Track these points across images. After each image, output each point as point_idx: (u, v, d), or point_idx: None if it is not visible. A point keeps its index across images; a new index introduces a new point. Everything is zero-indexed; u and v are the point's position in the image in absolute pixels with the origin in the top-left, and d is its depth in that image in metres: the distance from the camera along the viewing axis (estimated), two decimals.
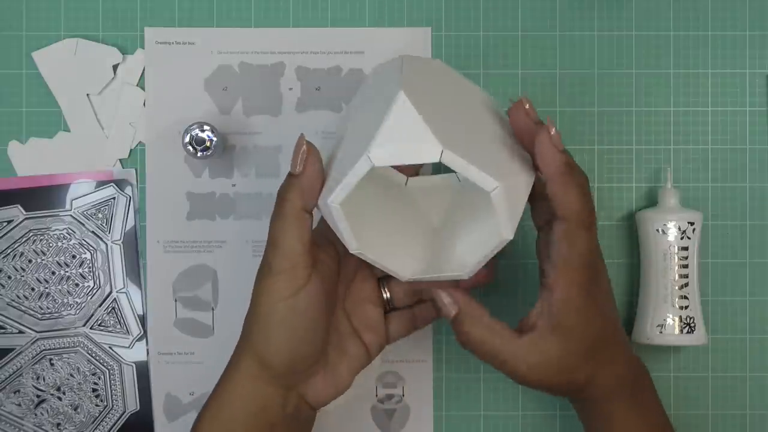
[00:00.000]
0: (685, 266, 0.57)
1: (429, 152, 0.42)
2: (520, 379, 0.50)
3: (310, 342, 0.49)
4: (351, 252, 0.47)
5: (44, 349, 0.60)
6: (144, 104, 0.60)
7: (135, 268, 0.60)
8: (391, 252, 0.48)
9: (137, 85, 0.60)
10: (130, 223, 0.60)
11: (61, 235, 0.60)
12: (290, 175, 0.49)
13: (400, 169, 0.55)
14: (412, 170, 0.55)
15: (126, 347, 0.60)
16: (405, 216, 0.53)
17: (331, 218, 0.46)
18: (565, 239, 0.47)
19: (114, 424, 0.60)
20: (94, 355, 0.60)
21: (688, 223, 0.57)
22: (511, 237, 0.45)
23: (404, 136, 0.43)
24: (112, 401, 0.60)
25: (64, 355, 0.60)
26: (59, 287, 0.60)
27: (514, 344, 0.49)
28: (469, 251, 0.49)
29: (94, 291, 0.60)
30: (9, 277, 0.60)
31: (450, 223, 0.53)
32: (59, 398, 0.60)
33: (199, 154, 0.57)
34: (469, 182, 0.45)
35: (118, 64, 0.60)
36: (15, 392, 0.60)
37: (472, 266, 0.48)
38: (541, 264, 0.50)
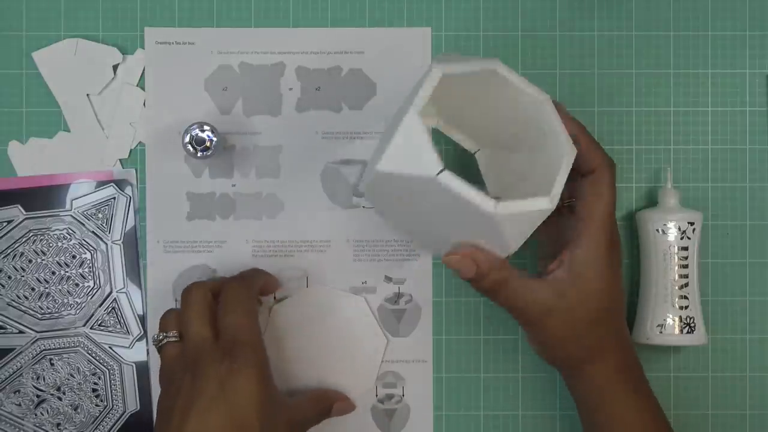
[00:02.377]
0: (685, 266, 0.57)
1: (426, 176, 0.46)
2: (535, 326, 0.52)
3: None
4: (436, 174, 0.46)
5: (44, 349, 0.60)
6: (144, 104, 0.60)
7: (135, 268, 0.60)
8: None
9: (137, 85, 0.60)
10: (130, 223, 0.60)
11: (61, 235, 0.60)
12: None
13: None
14: None
15: (126, 347, 0.60)
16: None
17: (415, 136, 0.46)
18: (592, 190, 0.52)
19: (114, 424, 0.60)
20: (94, 355, 0.60)
21: (688, 223, 0.57)
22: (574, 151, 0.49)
23: (409, 155, 0.47)
24: (112, 401, 0.60)
25: (64, 355, 0.60)
26: (59, 287, 0.60)
27: (533, 285, 0.51)
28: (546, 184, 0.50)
29: (94, 291, 0.60)
30: (9, 277, 0.60)
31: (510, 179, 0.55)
32: (59, 398, 0.60)
33: (199, 154, 0.57)
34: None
35: (118, 64, 0.60)
36: (15, 392, 0.60)
37: (557, 192, 0.49)
38: (550, 246, 0.55)
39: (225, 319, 0.51)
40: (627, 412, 0.53)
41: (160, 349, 0.52)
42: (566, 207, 0.54)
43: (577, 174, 0.53)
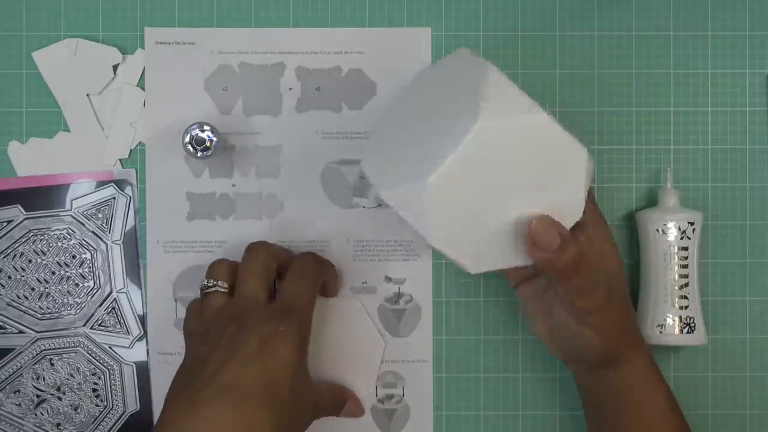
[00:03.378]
0: (685, 266, 0.57)
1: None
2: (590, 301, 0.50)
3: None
4: (431, 244, 0.47)
5: (44, 349, 0.60)
6: (144, 104, 0.60)
7: (135, 268, 0.60)
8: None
9: (137, 85, 0.60)
10: (130, 223, 0.60)
11: (61, 235, 0.60)
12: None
13: None
14: None
15: (126, 347, 0.60)
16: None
17: (415, 205, 0.46)
18: None
19: (114, 424, 0.60)
20: (94, 355, 0.60)
21: (688, 223, 0.57)
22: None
23: (465, 183, 0.47)
24: (112, 401, 0.60)
25: (64, 355, 0.60)
26: (59, 287, 0.60)
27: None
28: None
29: (94, 291, 0.60)
30: (9, 277, 0.60)
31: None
32: (59, 398, 0.60)
33: (199, 154, 0.57)
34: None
35: (118, 64, 0.60)
36: (15, 392, 0.60)
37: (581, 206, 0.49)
38: None
39: (289, 284, 0.53)
40: (656, 413, 0.53)
41: (205, 296, 0.53)
42: None
43: None
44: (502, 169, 0.46)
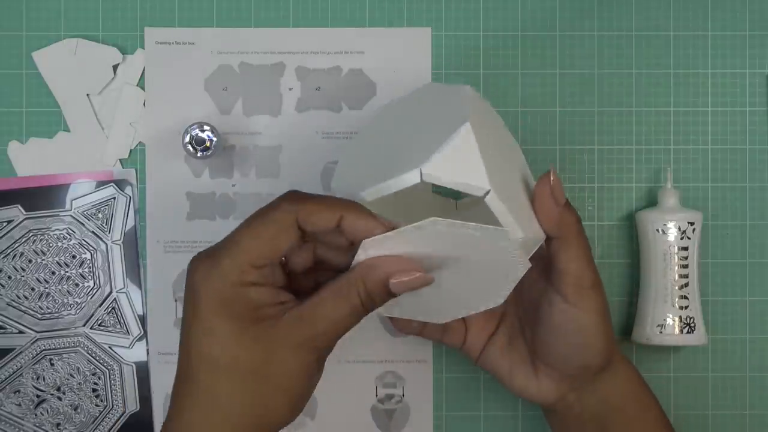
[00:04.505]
0: (685, 266, 0.57)
1: (476, 188, 0.43)
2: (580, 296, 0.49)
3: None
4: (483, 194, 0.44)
5: (44, 349, 0.60)
6: (144, 104, 0.60)
7: (135, 268, 0.60)
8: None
9: (137, 85, 0.60)
10: (130, 223, 0.60)
11: (61, 235, 0.60)
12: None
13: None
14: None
15: (126, 347, 0.60)
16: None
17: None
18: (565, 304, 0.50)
19: (114, 424, 0.60)
20: (94, 355, 0.60)
21: (688, 223, 0.57)
22: (527, 267, 0.46)
23: (458, 166, 0.44)
24: (112, 401, 0.60)
25: (64, 355, 0.60)
26: (59, 287, 0.60)
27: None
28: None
29: (94, 291, 0.60)
30: (9, 277, 0.60)
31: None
32: (59, 398, 0.60)
33: (199, 154, 0.57)
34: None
35: (118, 64, 0.60)
36: (15, 392, 0.60)
37: (505, 294, 0.47)
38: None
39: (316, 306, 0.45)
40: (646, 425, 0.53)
41: None
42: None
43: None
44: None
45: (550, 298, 0.50)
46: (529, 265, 0.45)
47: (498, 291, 0.46)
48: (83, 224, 0.60)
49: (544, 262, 0.51)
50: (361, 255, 0.43)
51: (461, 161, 0.44)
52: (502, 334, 0.55)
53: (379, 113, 0.54)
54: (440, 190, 0.59)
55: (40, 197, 0.60)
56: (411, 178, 0.43)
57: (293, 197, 0.43)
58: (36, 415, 0.60)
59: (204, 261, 0.43)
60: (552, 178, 0.47)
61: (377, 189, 0.44)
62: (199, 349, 0.42)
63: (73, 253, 0.60)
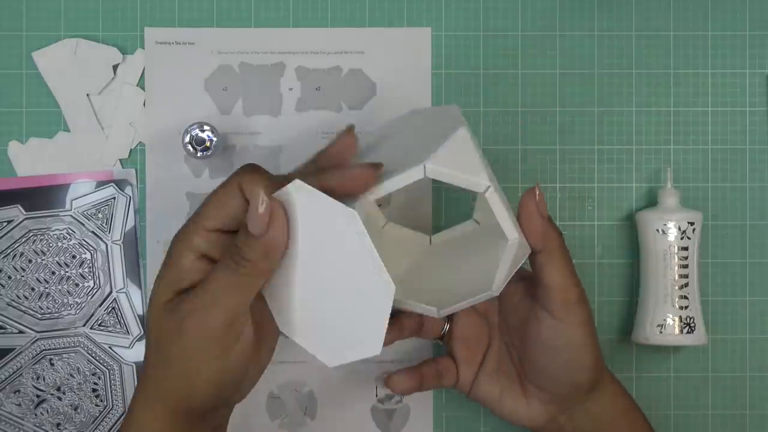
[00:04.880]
0: (685, 266, 0.57)
1: (477, 183, 0.45)
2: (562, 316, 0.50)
3: (245, 368, 0.45)
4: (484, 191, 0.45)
5: (44, 349, 0.60)
6: (144, 104, 0.60)
7: (135, 268, 0.60)
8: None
9: (137, 85, 0.60)
10: (130, 223, 0.60)
11: (61, 235, 0.60)
12: (245, 232, 0.42)
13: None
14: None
15: (126, 347, 0.60)
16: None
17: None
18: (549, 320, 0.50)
19: (114, 424, 0.60)
20: (94, 355, 0.60)
21: (688, 223, 0.57)
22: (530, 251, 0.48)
23: (458, 163, 0.45)
24: (112, 401, 0.60)
25: (64, 355, 0.60)
26: (59, 287, 0.60)
27: None
28: (489, 273, 0.48)
29: (94, 291, 0.60)
30: (9, 277, 0.60)
31: (447, 258, 0.53)
32: (59, 398, 0.60)
33: (199, 154, 0.57)
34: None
35: (118, 64, 0.60)
36: (15, 392, 0.60)
37: (501, 282, 0.47)
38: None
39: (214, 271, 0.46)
40: None
41: None
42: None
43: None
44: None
45: (538, 316, 0.50)
46: (392, 287, 0.42)
47: (372, 331, 0.44)
48: (83, 224, 0.60)
49: (528, 282, 0.52)
50: None
51: (461, 159, 0.45)
52: (490, 360, 0.55)
53: (372, 133, 0.54)
54: (439, 184, 0.59)
55: (40, 197, 0.60)
56: (415, 173, 0.44)
57: (244, 168, 0.44)
58: (36, 415, 0.60)
59: (180, 230, 0.45)
60: (537, 193, 0.48)
61: (382, 187, 0.44)
62: (147, 309, 0.46)
63: (73, 253, 0.60)
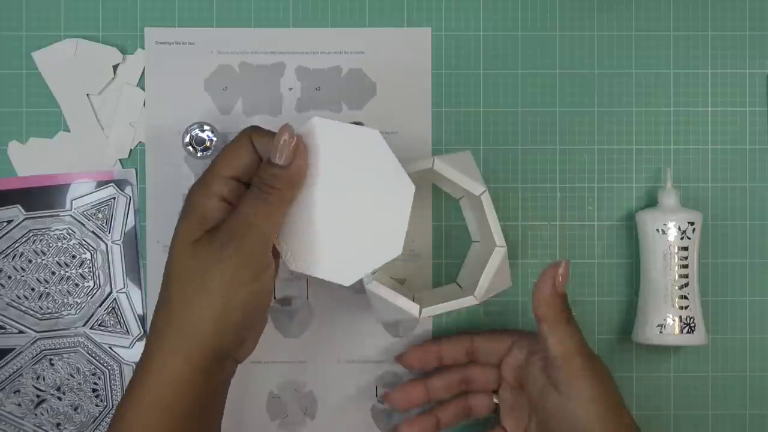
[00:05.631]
0: (685, 266, 0.57)
1: (475, 186, 0.53)
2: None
3: (264, 318, 0.51)
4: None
5: (44, 349, 0.60)
6: (144, 104, 0.60)
7: (135, 268, 0.60)
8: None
9: (137, 85, 0.60)
10: (130, 223, 0.60)
11: (61, 235, 0.60)
12: (271, 164, 0.48)
13: None
14: None
15: (126, 347, 0.60)
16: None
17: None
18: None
19: None
20: (94, 355, 0.60)
21: (688, 223, 0.57)
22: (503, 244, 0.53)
23: (461, 168, 0.54)
24: (112, 401, 0.60)
25: (64, 355, 0.60)
26: (59, 287, 0.60)
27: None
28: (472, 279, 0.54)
29: (94, 291, 0.60)
30: (9, 277, 0.60)
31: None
32: (59, 398, 0.60)
33: (199, 154, 0.57)
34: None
35: (118, 64, 0.60)
36: (15, 392, 0.60)
37: (485, 289, 0.52)
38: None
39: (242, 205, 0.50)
40: None
41: None
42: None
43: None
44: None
45: (546, 392, 0.51)
46: (413, 187, 0.49)
47: (394, 232, 0.49)
48: (83, 224, 0.60)
49: (545, 360, 0.52)
50: None
51: (464, 166, 0.54)
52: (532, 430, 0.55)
53: None
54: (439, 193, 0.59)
55: (40, 197, 0.60)
56: (424, 163, 0.53)
57: (250, 126, 0.50)
58: (36, 415, 0.60)
59: (196, 182, 0.49)
60: (562, 267, 0.50)
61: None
62: (168, 259, 0.48)
63: (73, 253, 0.60)
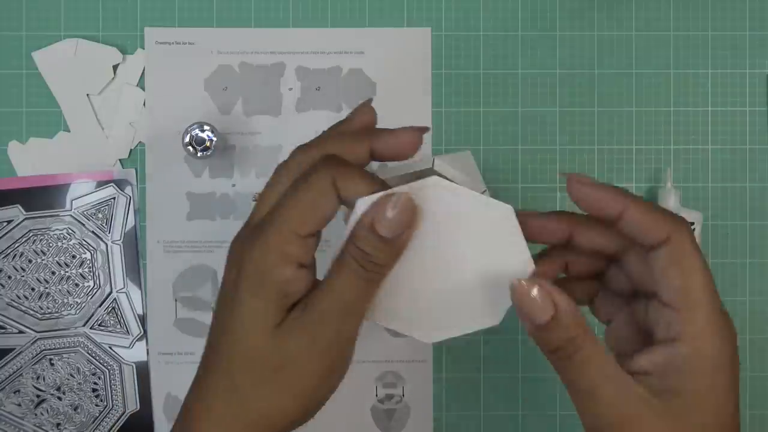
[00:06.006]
0: None
1: (475, 187, 0.51)
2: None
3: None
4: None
5: (44, 349, 0.60)
6: (144, 104, 0.60)
7: (135, 268, 0.60)
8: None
9: (137, 85, 0.60)
10: (130, 223, 0.60)
11: (61, 235, 0.60)
12: (374, 233, 0.37)
13: None
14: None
15: (126, 347, 0.60)
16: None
17: None
18: (674, 266, 0.38)
19: (114, 424, 0.60)
20: (94, 355, 0.60)
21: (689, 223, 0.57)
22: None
23: (462, 169, 0.52)
24: (112, 401, 0.60)
25: (64, 355, 0.60)
26: (59, 287, 0.60)
27: (620, 374, 0.37)
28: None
29: (94, 291, 0.60)
30: (9, 277, 0.60)
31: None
32: (59, 398, 0.60)
33: (199, 154, 0.57)
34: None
35: (118, 64, 0.60)
36: (15, 392, 0.60)
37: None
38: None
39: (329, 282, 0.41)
40: None
41: None
42: (642, 294, 0.41)
43: (638, 251, 0.40)
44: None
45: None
46: (533, 266, 0.40)
47: (496, 301, 0.42)
48: (83, 224, 0.60)
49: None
50: (354, 217, 0.40)
51: (464, 167, 0.51)
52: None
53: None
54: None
55: (40, 197, 0.60)
56: (424, 163, 0.50)
57: (329, 160, 0.38)
58: (36, 415, 0.60)
59: (246, 236, 0.39)
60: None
61: (391, 168, 0.50)
62: (225, 328, 0.39)
63: (73, 253, 0.60)
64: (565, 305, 0.36)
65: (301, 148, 0.40)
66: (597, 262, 0.42)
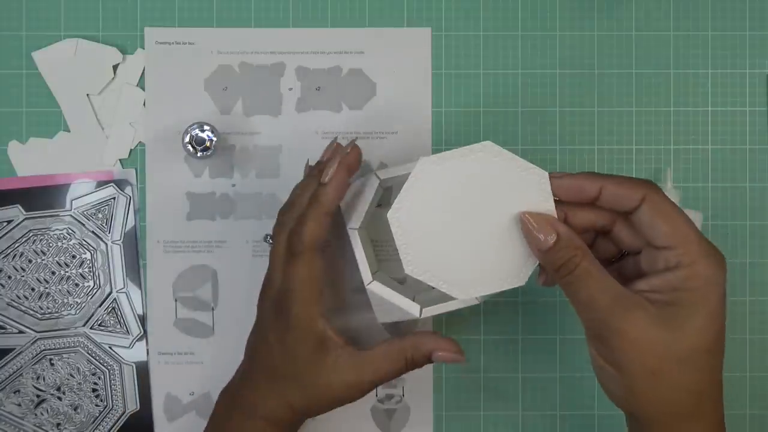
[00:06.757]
0: None
1: None
2: (614, 340, 0.42)
3: None
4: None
5: (44, 349, 0.60)
6: (144, 104, 0.60)
7: (135, 268, 0.60)
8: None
9: (137, 85, 0.60)
10: (130, 223, 0.60)
11: (61, 235, 0.60)
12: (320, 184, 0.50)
13: None
14: None
15: (126, 347, 0.60)
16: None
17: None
18: (656, 214, 0.43)
19: (114, 424, 0.60)
20: (94, 355, 0.60)
21: None
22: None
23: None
24: (112, 401, 0.60)
25: (64, 355, 0.60)
26: (59, 287, 0.60)
27: (622, 289, 0.43)
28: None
29: (94, 291, 0.60)
30: (9, 277, 0.60)
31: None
32: (59, 398, 0.60)
33: (199, 154, 0.57)
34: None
35: (118, 64, 0.60)
36: (15, 392, 0.60)
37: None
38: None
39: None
40: None
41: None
42: (630, 253, 0.47)
43: (622, 220, 0.46)
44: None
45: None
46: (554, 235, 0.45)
47: (524, 262, 0.48)
48: (83, 224, 0.60)
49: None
50: (418, 169, 0.47)
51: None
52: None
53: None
54: None
55: (40, 197, 0.60)
56: (413, 165, 0.50)
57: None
58: (36, 415, 0.60)
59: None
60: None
61: (389, 170, 0.52)
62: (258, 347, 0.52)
63: (73, 253, 0.60)
64: (565, 231, 0.44)
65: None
66: (586, 237, 0.48)
